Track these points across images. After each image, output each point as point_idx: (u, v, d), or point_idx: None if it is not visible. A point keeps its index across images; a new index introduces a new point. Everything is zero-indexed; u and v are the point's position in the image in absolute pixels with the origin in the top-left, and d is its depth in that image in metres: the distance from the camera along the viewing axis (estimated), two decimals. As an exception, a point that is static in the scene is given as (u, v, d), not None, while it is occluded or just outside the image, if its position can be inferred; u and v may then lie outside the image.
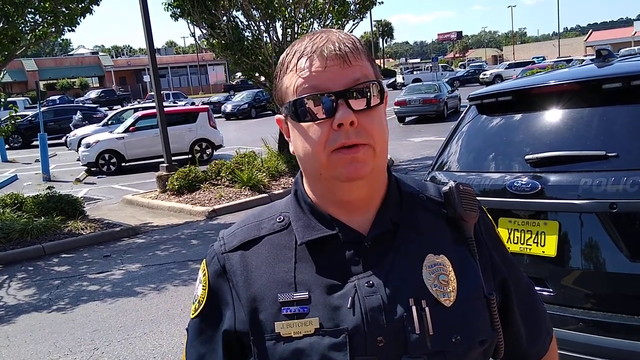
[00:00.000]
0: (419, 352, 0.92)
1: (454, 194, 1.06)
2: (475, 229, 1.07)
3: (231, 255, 1.04)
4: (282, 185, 10.90)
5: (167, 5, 11.76)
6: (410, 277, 0.97)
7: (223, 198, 10.27)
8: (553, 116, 2.66)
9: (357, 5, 12.50)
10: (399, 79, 49.48)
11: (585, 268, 2.38)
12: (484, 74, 43.44)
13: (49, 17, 9.62)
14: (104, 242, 8.59)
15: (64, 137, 20.87)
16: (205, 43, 12.80)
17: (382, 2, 13.03)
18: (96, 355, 4.62)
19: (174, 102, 35.14)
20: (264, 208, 1.11)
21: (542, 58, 56.02)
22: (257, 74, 12.55)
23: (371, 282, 0.95)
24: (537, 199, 2.47)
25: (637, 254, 2.24)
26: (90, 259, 7.75)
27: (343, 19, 12.20)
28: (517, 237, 2.56)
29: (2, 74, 10.24)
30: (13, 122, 9.83)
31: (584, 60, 30.10)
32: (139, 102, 39.23)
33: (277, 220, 1.05)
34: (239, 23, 12.05)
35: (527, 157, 2.58)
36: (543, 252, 2.46)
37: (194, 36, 12.66)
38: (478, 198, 1.10)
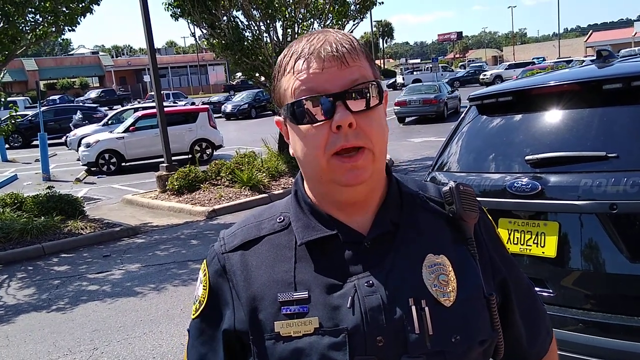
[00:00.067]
0: (419, 352, 0.92)
1: (454, 195, 1.05)
2: (476, 229, 1.06)
3: (231, 255, 1.04)
4: (282, 186, 10.90)
5: (167, 5, 11.76)
6: (410, 277, 0.97)
7: (223, 198, 10.27)
8: (553, 117, 2.66)
9: (358, 6, 12.50)
10: (399, 79, 49.49)
11: (585, 269, 2.37)
12: (484, 75, 43.43)
13: (49, 17, 9.62)
14: (104, 242, 8.59)
15: (64, 137, 20.86)
16: (205, 43, 12.80)
17: (382, 3, 13.04)
18: (95, 355, 4.62)
19: (174, 102, 35.16)
20: (264, 208, 1.11)
21: (542, 59, 56.01)
22: (257, 74, 12.55)
23: (371, 282, 0.95)
24: (537, 200, 2.47)
25: (637, 255, 2.24)
26: (90, 259, 7.75)
27: (343, 19, 12.20)
28: (517, 237, 2.56)
29: (2, 74, 10.24)
30: (13, 121, 9.83)
31: (584, 61, 30.11)
32: (139, 102, 39.25)
33: (277, 220, 1.05)
34: (239, 23, 12.05)
35: (527, 157, 2.58)
36: (543, 252, 2.46)
37: (194, 36, 12.66)
38: (478, 198, 1.10)
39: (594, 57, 3.19)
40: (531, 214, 2.53)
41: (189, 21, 11.80)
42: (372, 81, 0.95)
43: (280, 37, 12.03)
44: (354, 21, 12.63)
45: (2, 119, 9.95)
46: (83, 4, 9.79)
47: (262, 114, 31.12)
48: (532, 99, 2.80)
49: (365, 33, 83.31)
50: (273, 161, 11.71)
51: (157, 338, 4.83)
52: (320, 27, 11.91)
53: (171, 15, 11.90)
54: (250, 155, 11.83)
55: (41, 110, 17.27)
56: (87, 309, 5.76)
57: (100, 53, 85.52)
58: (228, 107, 32.56)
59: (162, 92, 12.58)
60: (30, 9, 9.39)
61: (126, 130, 16.06)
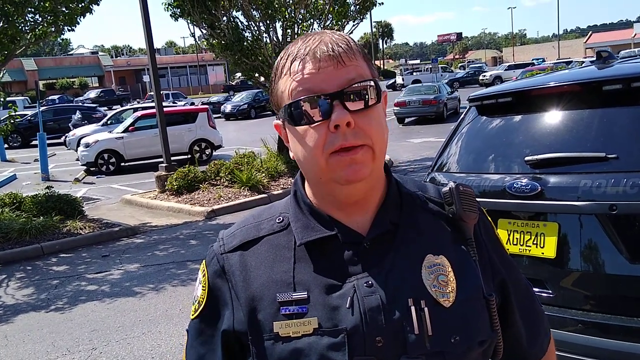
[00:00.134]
0: (418, 353, 0.92)
1: (454, 195, 1.05)
2: (475, 230, 1.06)
3: (230, 255, 1.03)
4: (282, 186, 10.89)
5: (167, 5, 11.76)
6: (410, 278, 0.96)
7: (222, 198, 10.27)
8: (553, 118, 2.66)
9: (357, 6, 12.50)
10: (399, 80, 49.51)
11: (584, 270, 2.37)
12: (484, 76, 43.45)
13: (48, 17, 9.62)
14: (103, 242, 8.58)
15: (63, 137, 20.86)
16: (205, 43, 12.79)
17: (382, 3, 13.04)
18: (94, 355, 4.62)
19: (174, 102, 35.13)
20: (263, 209, 1.11)
21: (541, 60, 56.06)
22: (256, 75, 12.55)
23: (370, 282, 0.95)
24: (536, 201, 2.47)
25: (636, 256, 2.24)
26: (89, 259, 7.74)
27: (343, 20, 12.20)
28: (517, 238, 2.56)
29: (1, 74, 10.24)
30: (12, 121, 9.83)
31: (583, 62, 30.13)
32: (138, 102, 39.24)
33: (277, 220, 1.05)
34: (239, 23, 12.05)
35: (526, 158, 2.58)
36: (542, 253, 2.46)
37: (193, 36, 12.65)
38: (478, 199, 1.10)
39: (594, 58, 3.19)
40: (531, 215, 2.53)
41: (189, 21, 11.80)
42: (370, 80, 0.95)
43: (280, 38, 12.03)
44: (353, 22, 12.63)
45: (2, 118, 9.95)
46: (83, 4, 9.79)
47: (261, 115, 31.12)
48: (532, 99, 2.80)
49: (365, 34, 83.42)
50: (272, 161, 11.71)
51: (156, 338, 4.82)
52: (320, 28, 11.91)
53: (171, 15, 11.90)
54: (249, 156, 11.83)
55: (40, 110, 17.25)
56: (85, 309, 5.75)
57: (100, 53, 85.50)
58: (227, 108, 32.56)
59: (161, 92, 12.58)
60: (29, 9, 9.39)
61: (125, 130, 16.05)
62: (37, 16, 9.69)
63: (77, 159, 16.82)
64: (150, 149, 15.31)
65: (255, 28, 12.00)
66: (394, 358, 0.92)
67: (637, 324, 2.22)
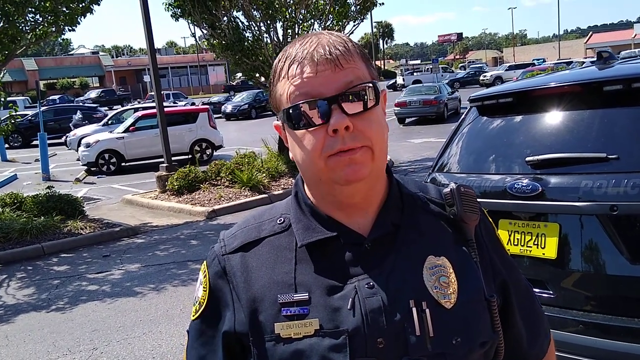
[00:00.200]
0: (419, 354, 0.92)
1: (455, 196, 1.05)
2: (476, 231, 1.06)
3: (231, 256, 1.03)
4: (282, 186, 10.90)
5: (167, 6, 11.76)
6: (411, 279, 0.96)
7: (223, 198, 10.27)
8: (554, 118, 2.66)
9: (358, 7, 12.50)
10: (399, 80, 49.49)
11: (585, 270, 2.37)
12: (484, 76, 43.44)
13: (49, 17, 9.61)
14: (104, 242, 8.59)
15: (64, 137, 20.87)
16: (205, 43, 12.80)
17: (383, 3, 13.04)
18: (95, 355, 4.62)
19: (174, 102, 35.15)
20: (264, 209, 1.11)
21: (542, 60, 56.03)
22: (257, 75, 12.55)
23: (371, 283, 0.94)
24: (537, 201, 2.47)
25: (637, 257, 2.24)
26: (90, 259, 7.74)
27: (343, 20, 12.20)
28: (518, 238, 2.56)
29: (2, 74, 10.23)
30: (13, 121, 9.83)
31: (584, 62, 30.12)
32: (139, 102, 39.25)
33: (278, 221, 1.05)
34: (240, 23, 12.05)
35: (527, 158, 2.58)
36: (543, 254, 2.46)
37: (194, 36, 12.66)
38: (478, 200, 1.10)
39: (594, 59, 3.20)
40: (531, 215, 2.53)
41: (189, 21, 11.81)
42: (368, 82, 0.94)
43: (281, 38, 12.03)
44: (354, 22, 12.63)
45: (2, 118, 9.94)
46: (83, 4, 9.79)
47: (262, 115, 31.12)
48: (532, 100, 2.80)
49: (365, 34, 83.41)
50: (273, 162, 11.71)
51: (157, 338, 4.82)
52: (320, 28, 11.91)
53: (171, 15, 11.90)
54: (250, 156, 11.83)
55: (41, 110, 17.28)
56: (86, 309, 5.75)
57: (101, 53, 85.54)
58: (228, 108, 32.56)
59: (162, 92, 12.58)
60: (30, 9, 9.39)
61: (126, 131, 16.06)
62: (38, 16, 9.69)
63: (78, 159, 16.83)
64: (150, 149, 15.31)
65: (256, 28, 12.01)
66: (396, 359, 0.92)
67: (637, 325, 2.22)
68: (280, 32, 12.08)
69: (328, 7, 11.94)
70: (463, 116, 3.19)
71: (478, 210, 1.07)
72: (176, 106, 25.60)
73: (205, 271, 1.07)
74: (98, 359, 4.56)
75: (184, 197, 10.67)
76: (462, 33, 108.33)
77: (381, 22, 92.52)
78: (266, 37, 12.10)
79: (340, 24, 12.15)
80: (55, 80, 64.86)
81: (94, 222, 9.30)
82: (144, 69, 58.19)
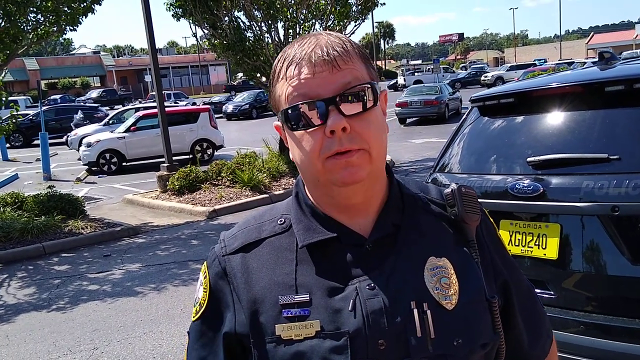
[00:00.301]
0: (421, 356, 0.92)
1: (456, 197, 1.05)
2: (477, 231, 1.06)
3: (232, 257, 1.03)
4: (283, 186, 10.90)
5: (169, 5, 11.76)
6: (412, 280, 0.96)
7: (224, 198, 10.27)
8: (555, 118, 2.65)
9: (359, 7, 12.50)
10: (400, 80, 49.45)
11: (586, 271, 2.37)
12: (485, 76, 43.43)
13: (51, 17, 9.62)
14: (104, 241, 8.59)
15: (65, 137, 20.88)
16: (206, 43, 12.80)
17: (384, 4, 13.04)
18: (96, 355, 4.62)
19: (175, 102, 35.17)
20: (265, 210, 1.11)
21: (543, 60, 56.02)
22: (258, 75, 12.54)
23: (372, 284, 0.94)
24: (538, 202, 2.47)
25: (638, 257, 2.24)
26: (91, 259, 7.75)
27: (345, 20, 12.20)
28: (519, 239, 2.56)
29: (3, 73, 10.24)
30: (14, 121, 9.83)
31: (585, 62, 30.09)
32: (140, 102, 39.25)
33: (278, 222, 1.04)
34: (241, 23, 12.05)
35: (529, 159, 2.58)
36: (544, 254, 2.46)
37: (195, 36, 12.68)
38: (480, 200, 1.10)
39: (596, 59, 3.19)
40: (533, 216, 2.53)
41: (191, 21, 11.81)
42: (366, 83, 0.94)
43: (282, 38, 12.03)
44: (355, 22, 12.62)
45: (3, 118, 9.95)
46: (85, 4, 9.79)
47: (263, 115, 31.13)
48: (534, 100, 2.79)
49: (366, 34, 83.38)
50: (274, 161, 11.71)
51: (158, 338, 4.82)
52: (321, 28, 11.90)
53: (173, 15, 11.91)
54: (251, 156, 11.83)
55: (42, 109, 17.27)
56: (87, 308, 5.75)
57: (102, 53, 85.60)
58: (229, 108, 32.58)
59: (163, 92, 12.58)
60: (31, 9, 9.39)
61: (127, 130, 16.07)
62: (39, 16, 9.69)
63: (79, 159, 16.84)
64: (151, 148, 15.32)
65: (257, 28, 12.00)
66: (396, 360, 0.91)
67: (638, 326, 2.21)
68: (281, 32, 12.09)
69: (329, 7, 11.94)
70: (464, 116, 3.19)
71: (479, 211, 1.07)
72: (177, 106, 25.61)
73: (205, 272, 1.07)
74: (99, 359, 4.56)
75: (184, 197, 10.68)
76: (463, 33, 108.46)
77: (382, 22, 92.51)
78: (267, 37, 12.10)
79: (342, 24, 12.15)
80: (56, 80, 64.92)
81: (94, 222, 9.31)
82: (145, 68, 58.30)
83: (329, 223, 1.00)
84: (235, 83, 60.41)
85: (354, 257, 0.97)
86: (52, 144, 19.15)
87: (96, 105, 32.27)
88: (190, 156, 15.54)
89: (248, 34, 12.03)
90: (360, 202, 0.98)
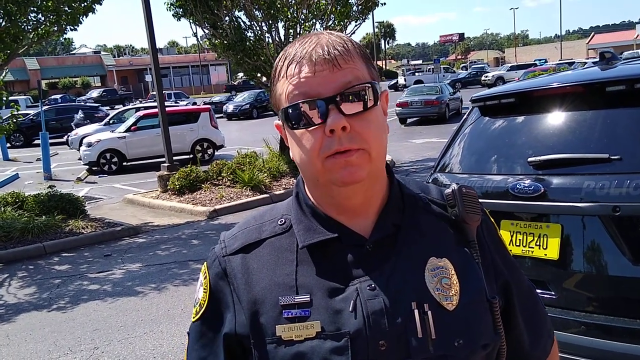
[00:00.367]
0: (422, 356, 0.92)
1: (456, 197, 1.05)
2: (478, 231, 1.06)
3: (232, 258, 1.03)
4: (284, 186, 10.90)
5: (169, 5, 11.77)
6: (413, 280, 0.96)
7: (224, 198, 10.27)
8: (556, 118, 2.65)
9: (360, 6, 12.49)
10: (401, 80, 49.46)
11: (587, 271, 2.37)
12: (486, 76, 43.41)
13: (51, 16, 9.62)
14: (105, 241, 8.59)
15: (66, 136, 20.90)
16: (207, 43, 12.81)
17: (385, 3, 13.04)
18: (96, 355, 4.62)
19: (176, 102, 35.19)
20: (265, 210, 1.11)
21: (544, 60, 56.00)
22: (259, 75, 12.55)
23: (373, 285, 0.94)
24: (539, 202, 2.46)
25: (639, 258, 2.23)
26: (91, 258, 7.75)
27: (345, 20, 12.19)
28: (520, 239, 2.55)
29: (4, 73, 10.24)
30: (15, 120, 9.83)
31: (586, 62, 30.08)
32: (140, 102, 39.27)
33: (279, 222, 1.04)
34: (242, 23, 12.05)
35: (529, 159, 2.58)
36: (545, 254, 2.45)
37: (196, 36, 12.70)
38: (480, 200, 1.10)
39: (596, 59, 3.19)
40: (533, 216, 2.52)
41: (191, 21, 11.81)
42: (366, 83, 0.94)
43: (283, 38, 12.03)
44: (355, 22, 12.62)
45: (4, 117, 9.95)
46: (85, 4, 9.79)
47: (263, 114, 31.13)
48: (534, 100, 2.79)
49: (367, 34, 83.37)
50: (274, 161, 11.71)
51: (158, 338, 4.82)
52: (322, 28, 11.90)
53: (173, 15, 11.91)
54: (251, 156, 11.83)
55: (43, 109, 17.26)
56: (87, 308, 5.75)
57: (102, 52, 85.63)
58: (230, 107, 32.58)
59: (163, 92, 12.59)
60: (32, 8, 9.39)
61: (127, 130, 16.07)
62: (40, 15, 9.69)
63: (80, 159, 16.84)
64: (152, 148, 15.32)
65: (258, 28, 12.00)
66: (397, 361, 0.91)
67: (639, 326, 2.21)
68: (281, 32, 12.09)
69: (330, 7, 11.94)
70: (465, 116, 3.19)
71: (480, 211, 1.07)
72: (178, 106, 25.61)
73: (205, 272, 1.06)
74: (99, 359, 4.56)
75: (185, 197, 10.68)
76: (463, 33, 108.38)
77: (383, 22, 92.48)
78: (268, 37, 12.10)
79: (342, 24, 12.14)
80: (57, 80, 64.97)
81: (95, 222, 9.31)
82: (146, 68, 58.34)
83: (330, 223, 0.99)
84: (235, 83, 60.43)
85: (355, 258, 0.97)
86: (52, 144, 19.13)
87: (97, 105, 32.26)
88: (191, 156, 15.54)
89: (248, 34, 12.03)
90: (360, 202, 0.98)
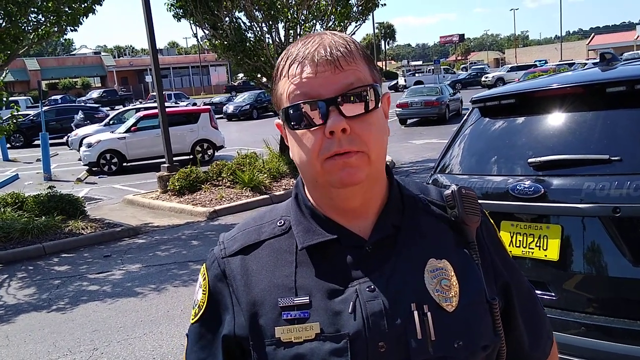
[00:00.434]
0: (421, 358, 0.91)
1: (456, 198, 1.04)
2: (478, 233, 1.06)
3: (231, 259, 1.03)
4: (283, 187, 10.89)
5: (169, 6, 11.77)
6: (412, 281, 0.96)
7: (224, 199, 10.27)
8: (556, 119, 2.65)
9: (360, 7, 12.50)
10: (401, 81, 49.47)
11: (587, 272, 2.36)
12: (486, 77, 43.42)
13: (51, 17, 9.62)
14: (105, 242, 8.59)
15: (66, 137, 20.88)
16: (207, 44, 12.80)
17: (385, 4, 13.04)
18: (95, 356, 4.61)
19: (176, 103, 35.19)
20: (264, 211, 1.10)
21: (544, 61, 56.01)
22: (259, 75, 12.55)
23: (372, 286, 0.94)
24: (539, 203, 2.46)
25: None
26: (91, 259, 7.74)
27: (345, 21, 12.20)
28: (520, 240, 2.55)
29: (4, 73, 10.24)
30: (15, 121, 9.83)
31: (586, 63, 30.07)
32: (140, 102, 39.26)
33: (278, 224, 1.04)
34: (242, 24, 12.05)
35: (530, 160, 2.57)
36: (545, 255, 2.45)
37: (196, 37, 12.67)
38: (480, 201, 1.09)
39: (596, 60, 3.19)
40: (533, 217, 2.52)
41: (191, 22, 11.81)
42: (368, 85, 0.93)
43: (283, 39, 12.03)
44: (356, 23, 12.63)
45: (4, 118, 9.95)
46: (85, 4, 9.79)
47: (263, 115, 31.15)
48: (535, 101, 2.79)
49: (367, 35, 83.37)
50: (274, 162, 11.71)
51: (158, 339, 4.82)
52: (322, 29, 11.90)
53: (173, 15, 11.91)
54: (251, 156, 11.83)
55: (43, 110, 17.25)
56: (87, 309, 5.75)
57: (103, 53, 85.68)
58: (230, 108, 32.58)
59: (163, 92, 12.59)
60: (32, 9, 9.39)
61: (127, 131, 16.07)
62: (40, 16, 9.69)
63: (80, 159, 16.84)
64: (152, 149, 15.32)
65: (258, 29, 12.00)
66: (397, 363, 0.91)
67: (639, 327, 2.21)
68: (282, 32, 12.09)
69: (330, 8, 11.94)
70: (465, 117, 3.18)
71: (479, 212, 1.06)
72: (178, 106, 25.61)
73: (204, 274, 1.06)
74: (98, 359, 4.56)
75: (185, 198, 10.67)
76: (464, 34, 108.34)
77: (383, 23, 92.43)
78: (268, 38, 12.10)
79: (342, 24, 12.14)
80: (57, 80, 65.00)
81: (95, 222, 9.31)
82: (146, 69, 58.38)
83: (329, 225, 0.99)
84: (235, 83, 60.42)
85: (354, 259, 0.96)
86: (52, 144, 19.12)
87: (97, 105, 32.30)
88: (191, 156, 15.54)
89: (249, 35, 12.03)
90: (359, 204, 0.98)
